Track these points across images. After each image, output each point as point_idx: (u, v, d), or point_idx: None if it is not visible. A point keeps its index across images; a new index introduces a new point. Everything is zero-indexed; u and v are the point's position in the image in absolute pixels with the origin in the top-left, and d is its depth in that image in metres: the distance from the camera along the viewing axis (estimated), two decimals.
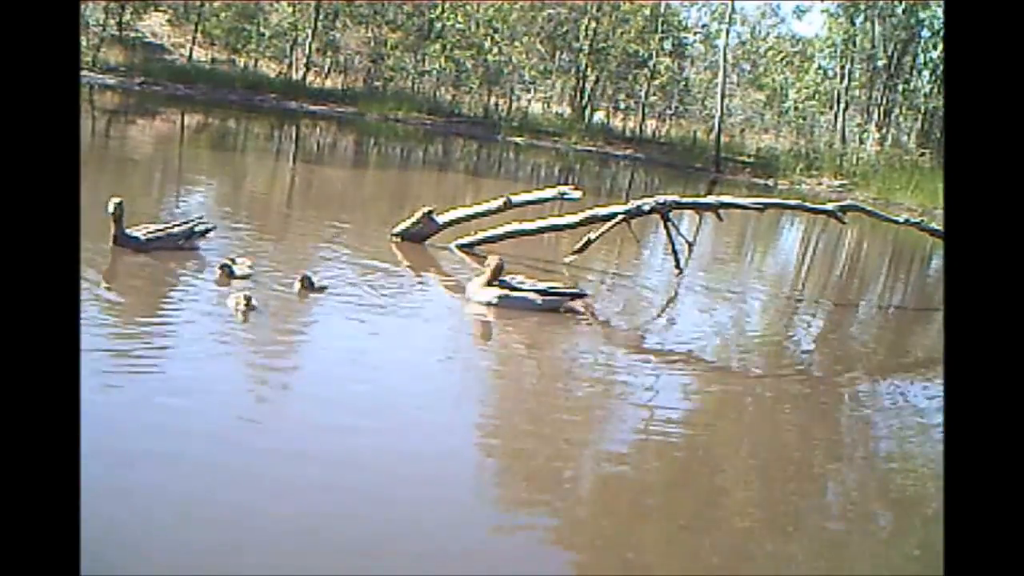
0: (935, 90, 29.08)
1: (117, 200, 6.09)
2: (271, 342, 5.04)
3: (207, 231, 6.81)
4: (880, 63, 30.52)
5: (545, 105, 35.20)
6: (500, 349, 5.79)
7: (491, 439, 4.32)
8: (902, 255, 15.11)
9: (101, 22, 29.05)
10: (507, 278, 6.51)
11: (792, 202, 10.43)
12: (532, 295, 6.39)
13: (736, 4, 32.51)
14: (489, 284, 6.38)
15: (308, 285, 5.85)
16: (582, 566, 3.24)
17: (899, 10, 29.60)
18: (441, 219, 8.53)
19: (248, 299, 5.29)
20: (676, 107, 36.99)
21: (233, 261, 6.03)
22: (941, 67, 27.12)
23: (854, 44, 30.58)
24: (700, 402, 5.31)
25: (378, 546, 3.05)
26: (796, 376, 6.19)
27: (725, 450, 4.62)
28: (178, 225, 6.66)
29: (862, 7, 30.30)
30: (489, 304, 6.31)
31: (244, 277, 5.92)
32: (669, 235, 8.73)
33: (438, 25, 32.36)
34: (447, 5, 31.90)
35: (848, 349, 7.48)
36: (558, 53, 33.96)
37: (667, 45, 33.53)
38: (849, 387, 6.15)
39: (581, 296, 6.64)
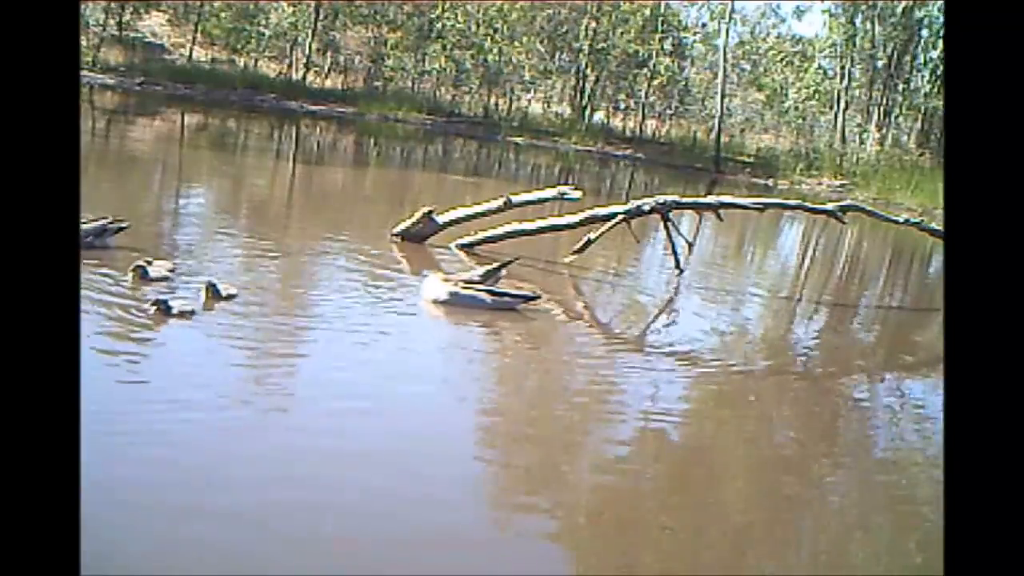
0: (935, 90, 29.09)
1: None
2: (265, 340, 5.04)
3: (120, 229, 6.52)
4: (880, 63, 30.55)
5: (545, 105, 35.21)
6: (499, 349, 5.79)
7: (489, 439, 4.32)
8: (902, 255, 15.11)
9: (101, 22, 29.07)
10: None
11: (792, 202, 10.42)
12: (483, 294, 6.31)
13: (736, 4, 32.55)
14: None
15: (214, 293, 5.47)
16: (581, 567, 3.24)
17: (899, 10, 29.62)
18: (441, 219, 8.53)
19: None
20: (676, 107, 37.00)
21: (149, 263, 5.75)
22: (941, 67, 27.14)
23: (854, 44, 30.60)
24: (700, 402, 5.31)
25: (376, 546, 3.04)
26: (796, 376, 6.18)
27: (724, 450, 4.62)
28: (89, 222, 6.29)
29: (862, 7, 30.31)
30: (439, 301, 6.22)
31: (161, 279, 5.67)
32: (669, 235, 8.73)
33: (438, 25, 32.36)
34: (447, 5, 31.91)
35: (848, 349, 7.48)
36: (558, 53, 33.98)
37: (667, 45, 33.52)
38: (849, 387, 6.16)
39: (534, 299, 6.54)
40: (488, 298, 6.29)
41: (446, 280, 6.35)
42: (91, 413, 2.69)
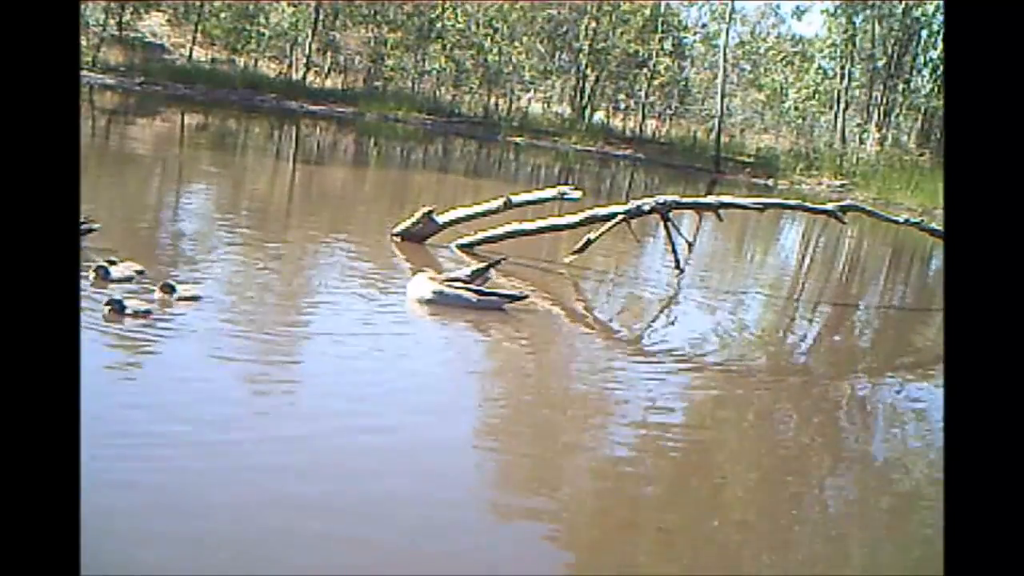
0: (935, 90, 29.11)
1: None
2: (261, 341, 5.04)
3: (90, 231, 6.24)
4: (880, 63, 30.56)
5: (545, 105, 35.23)
6: (499, 349, 5.79)
7: (490, 440, 4.32)
8: (902, 255, 15.11)
9: (101, 22, 29.09)
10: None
11: (792, 202, 10.43)
12: (468, 293, 6.22)
13: (736, 4, 32.65)
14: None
15: (169, 292, 5.32)
16: (581, 567, 3.24)
17: (899, 10, 29.64)
18: (441, 219, 8.53)
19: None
20: (676, 107, 37.05)
21: (112, 263, 5.60)
22: (941, 67, 27.15)
23: (854, 44, 30.62)
24: (699, 402, 5.31)
25: (377, 546, 3.04)
26: (796, 376, 6.18)
27: (725, 450, 4.62)
28: None
29: (862, 7, 30.33)
30: (424, 301, 6.14)
31: (124, 280, 5.52)
32: (669, 235, 8.73)
33: (438, 25, 32.40)
34: (447, 5, 31.94)
35: (848, 349, 7.48)
36: (558, 53, 34.03)
37: (667, 45, 33.58)
38: (849, 387, 6.15)
39: (521, 298, 6.45)
40: (474, 297, 6.22)
41: (432, 279, 6.27)
42: (87, 413, 2.68)
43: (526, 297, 6.52)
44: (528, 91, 34.76)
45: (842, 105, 30.81)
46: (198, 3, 30.41)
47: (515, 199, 8.77)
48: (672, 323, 7.47)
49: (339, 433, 3.93)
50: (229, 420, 3.91)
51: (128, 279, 5.59)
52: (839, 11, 30.82)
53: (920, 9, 29.37)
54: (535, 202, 8.96)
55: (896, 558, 3.64)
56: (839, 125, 30.82)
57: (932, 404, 5.70)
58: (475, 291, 6.31)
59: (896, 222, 9.73)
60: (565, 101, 34.95)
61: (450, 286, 6.23)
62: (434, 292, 6.15)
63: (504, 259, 7.35)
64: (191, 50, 30.10)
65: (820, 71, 32.72)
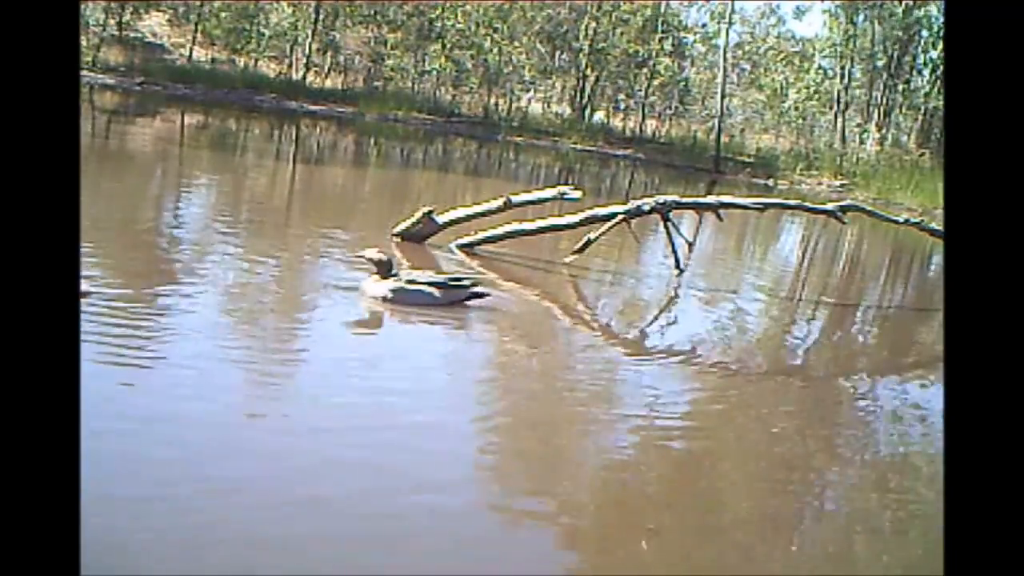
0: (935, 90, 29.13)
1: None
2: (267, 341, 5.04)
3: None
4: (880, 63, 30.59)
5: (545, 105, 35.26)
6: (498, 349, 5.79)
7: (489, 440, 4.31)
8: (902, 255, 15.11)
9: (101, 22, 29.10)
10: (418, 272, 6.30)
11: (792, 202, 10.42)
12: (430, 288, 6.02)
13: (736, 4, 32.62)
14: (384, 279, 6.00)
15: None
16: (582, 568, 3.24)
17: (899, 10, 29.67)
18: (441, 219, 8.53)
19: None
20: (676, 107, 37.09)
21: None
22: (941, 67, 27.17)
23: (854, 44, 30.64)
24: (700, 402, 5.30)
25: (376, 547, 3.04)
26: (796, 376, 6.18)
27: (725, 450, 4.62)
28: None
29: (862, 7, 30.36)
30: (383, 299, 5.94)
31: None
32: (669, 235, 8.73)
33: (438, 25, 32.41)
34: (447, 5, 31.95)
35: (848, 349, 7.48)
36: (558, 53, 34.05)
37: (667, 45, 33.60)
38: (849, 387, 6.16)
39: (483, 295, 6.25)
40: (436, 292, 6.03)
41: (389, 278, 6.02)
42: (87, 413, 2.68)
43: (488, 295, 6.30)
44: (528, 91, 34.78)
45: (842, 105, 30.83)
46: (198, 3, 30.42)
47: (515, 199, 8.77)
48: (672, 323, 7.47)
49: (333, 436, 3.92)
50: (232, 420, 3.90)
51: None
52: (839, 11, 30.86)
53: (924, 10, 29.40)
54: (535, 202, 8.95)
55: (896, 558, 3.64)
56: (839, 125, 30.84)
57: (932, 404, 5.70)
58: (435, 285, 6.08)
59: (896, 222, 9.73)
60: (565, 101, 34.97)
61: (410, 283, 6.00)
62: (391, 291, 5.93)
63: (478, 283, 6.65)
64: (191, 50, 30.11)
65: (820, 71, 32.74)
